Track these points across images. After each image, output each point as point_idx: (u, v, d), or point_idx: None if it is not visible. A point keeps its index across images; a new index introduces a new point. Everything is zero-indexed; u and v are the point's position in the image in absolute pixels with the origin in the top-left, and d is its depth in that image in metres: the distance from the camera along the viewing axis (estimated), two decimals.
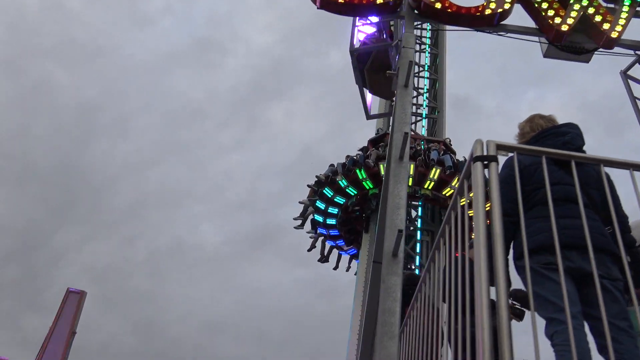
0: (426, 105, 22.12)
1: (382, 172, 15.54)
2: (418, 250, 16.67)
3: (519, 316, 3.63)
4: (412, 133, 19.27)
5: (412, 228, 18.00)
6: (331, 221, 18.27)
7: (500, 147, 2.38)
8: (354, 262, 19.92)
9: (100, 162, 71.88)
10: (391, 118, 4.68)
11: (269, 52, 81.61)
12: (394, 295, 3.16)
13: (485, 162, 2.32)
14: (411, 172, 15.95)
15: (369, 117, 6.54)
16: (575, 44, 5.89)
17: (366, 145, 19.12)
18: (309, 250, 19.19)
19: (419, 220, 17.87)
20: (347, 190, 17.20)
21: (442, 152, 17.04)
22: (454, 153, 18.46)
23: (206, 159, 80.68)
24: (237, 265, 71.83)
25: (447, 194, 16.29)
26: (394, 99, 5.57)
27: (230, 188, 77.49)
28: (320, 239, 18.89)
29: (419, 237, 17.12)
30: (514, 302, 3.54)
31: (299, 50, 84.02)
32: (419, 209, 17.81)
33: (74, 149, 71.37)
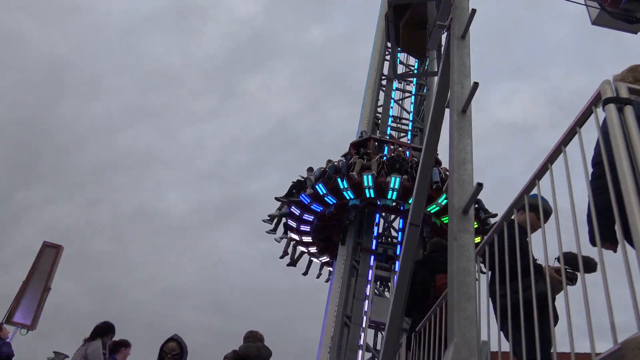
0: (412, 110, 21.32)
1: (365, 183, 15.24)
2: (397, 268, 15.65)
3: (572, 280, 3.42)
4: (397, 141, 19.03)
5: (393, 240, 17.43)
6: (305, 228, 17.27)
7: (634, 91, 2.08)
8: (326, 269, 19.12)
9: (68, 122, 69.33)
10: (436, 78, 4.35)
11: (250, 22, 79.64)
12: (468, 254, 2.88)
13: (619, 105, 2.01)
14: (396, 186, 15.42)
15: (396, 76, 6.17)
16: (629, 12, 5.59)
17: (348, 149, 18.16)
18: (281, 257, 18.11)
19: (399, 234, 17.02)
20: (325, 198, 16.19)
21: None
22: (439, 163, 17.62)
23: (177, 126, 78.84)
24: (201, 234, 70.90)
25: (432, 211, 15.41)
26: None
27: (200, 157, 76.05)
28: (292, 243, 17.96)
29: (398, 251, 16.07)
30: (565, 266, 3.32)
31: (281, 24, 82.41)
32: (400, 221, 17.06)
33: (42, 106, 68.63)
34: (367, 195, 15.56)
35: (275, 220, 17.22)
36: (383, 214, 17.36)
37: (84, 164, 68.90)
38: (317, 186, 15.76)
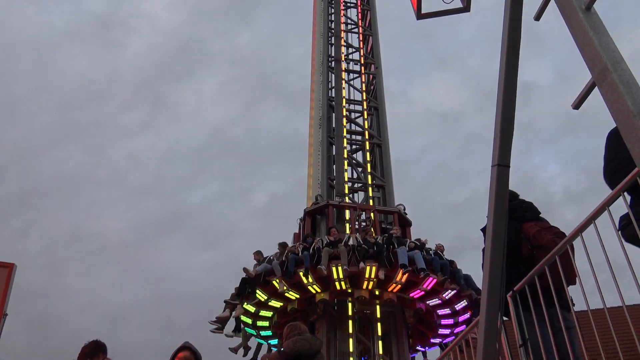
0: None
1: (335, 275, 12.82)
2: None
3: None
4: (360, 205, 16.61)
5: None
6: (264, 323, 14.50)
7: None
8: None
9: None
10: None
11: (175, 32, 76.94)
12: None
13: None
14: (372, 276, 12.90)
15: (420, 16, 5.25)
16: None
17: (303, 217, 16.22)
18: (244, 356, 14.47)
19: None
20: (286, 294, 13.43)
21: (409, 246, 13.69)
22: (410, 224, 16.31)
23: (107, 143, 74.96)
24: (142, 252, 67.87)
25: (415, 297, 13.32)
26: None
27: (134, 173, 72.75)
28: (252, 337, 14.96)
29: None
30: None
31: (208, 31, 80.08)
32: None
33: None
34: (338, 288, 13.22)
35: (227, 322, 14.17)
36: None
37: (6, 192, 63.90)
38: (276, 283, 13.29)
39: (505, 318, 4.12)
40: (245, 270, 13.58)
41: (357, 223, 15.64)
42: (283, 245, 14.32)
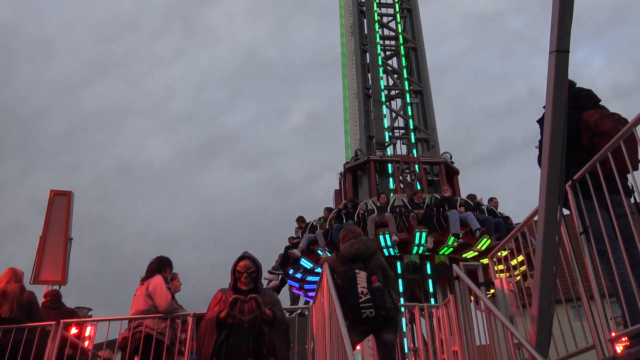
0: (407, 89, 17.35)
1: (383, 244, 12.04)
2: None
3: None
4: (403, 157, 15.42)
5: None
6: (311, 286, 13.67)
7: None
8: None
9: (27, 90, 65.39)
10: None
11: None
12: None
13: None
14: (422, 242, 12.16)
15: None
16: None
17: (343, 172, 15.36)
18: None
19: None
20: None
21: (460, 204, 12.72)
22: (457, 172, 15.24)
23: (144, 73, 74.94)
24: (188, 177, 69.81)
25: (468, 257, 12.51)
26: None
27: (173, 100, 73.22)
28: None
29: None
30: None
31: None
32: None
33: None
34: (387, 255, 12.50)
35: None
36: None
37: (54, 130, 65.73)
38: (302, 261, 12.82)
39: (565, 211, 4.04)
40: (291, 253, 13.19)
41: (401, 177, 14.81)
42: (329, 210, 13.85)
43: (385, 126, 16.34)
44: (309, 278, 13.41)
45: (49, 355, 5.56)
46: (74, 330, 6.87)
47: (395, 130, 17.12)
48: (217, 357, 4.76)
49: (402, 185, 14.56)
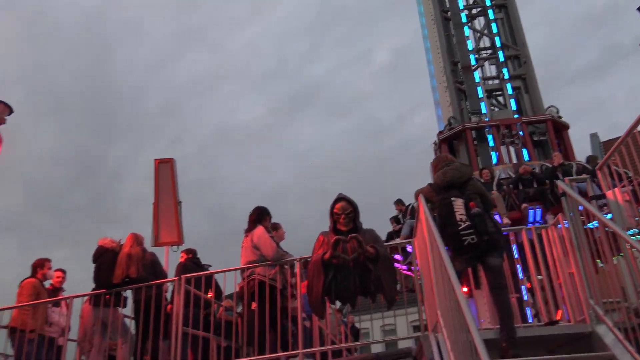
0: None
1: None
2: None
3: None
4: (503, 120, 13.32)
5: None
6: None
7: None
8: None
9: (123, 73, 69.38)
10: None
11: None
12: None
13: None
14: (537, 218, 10.65)
15: None
16: None
17: (437, 144, 13.99)
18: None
19: None
20: None
21: (577, 171, 10.82)
22: (567, 127, 13.23)
23: (225, 38, 76.42)
24: (283, 132, 71.52)
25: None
26: None
27: (257, 60, 74.38)
28: None
29: None
30: None
31: None
32: None
33: (93, 67, 68.63)
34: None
35: None
36: None
37: (152, 106, 69.61)
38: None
39: None
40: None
41: (503, 142, 13.33)
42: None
43: (470, 48, 15.42)
44: None
45: (177, 308, 6.07)
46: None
47: (482, 52, 16.13)
48: (327, 296, 4.94)
49: (505, 154, 13.06)
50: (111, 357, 6.96)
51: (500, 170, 12.16)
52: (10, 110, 10.35)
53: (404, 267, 12.58)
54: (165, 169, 9.20)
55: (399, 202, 13.01)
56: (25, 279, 7.20)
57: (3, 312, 6.81)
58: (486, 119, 13.71)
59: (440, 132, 14.34)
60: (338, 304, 5.49)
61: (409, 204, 12.40)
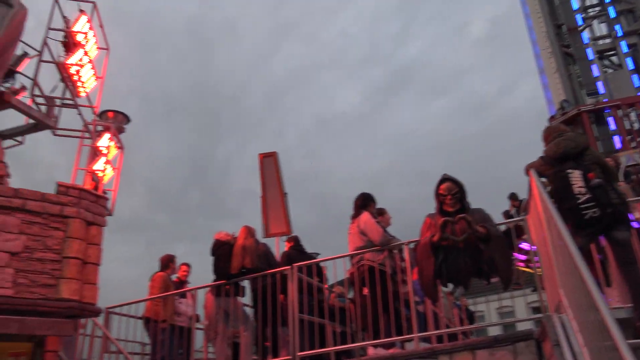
0: None
1: None
2: None
3: None
4: (625, 98, 11.80)
5: None
6: None
7: None
8: None
9: (226, 71, 72.84)
10: None
11: None
12: None
13: None
14: None
15: None
16: None
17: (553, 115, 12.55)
18: None
19: None
20: None
21: None
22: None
23: (319, 28, 77.54)
24: (381, 116, 71.24)
25: None
26: None
27: (350, 47, 74.80)
28: None
29: None
30: None
31: None
32: None
33: (197, 70, 72.85)
34: None
35: None
36: None
37: (254, 102, 72.50)
38: None
39: None
40: None
41: (628, 123, 11.81)
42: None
43: (575, 8, 14.25)
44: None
45: (291, 296, 6.29)
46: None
47: (589, 10, 14.83)
48: (438, 279, 4.87)
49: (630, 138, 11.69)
50: (235, 344, 7.39)
51: (626, 157, 11.08)
52: (128, 120, 11.30)
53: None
54: (269, 162, 9.55)
55: (513, 197, 12.11)
56: (156, 273, 7.86)
57: (138, 304, 7.50)
58: (604, 100, 12.31)
59: (552, 118, 13.40)
60: (450, 286, 5.39)
61: (522, 198, 11.25)
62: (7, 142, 7.74)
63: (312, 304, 6.43)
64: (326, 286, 7.69)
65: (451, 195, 5.02)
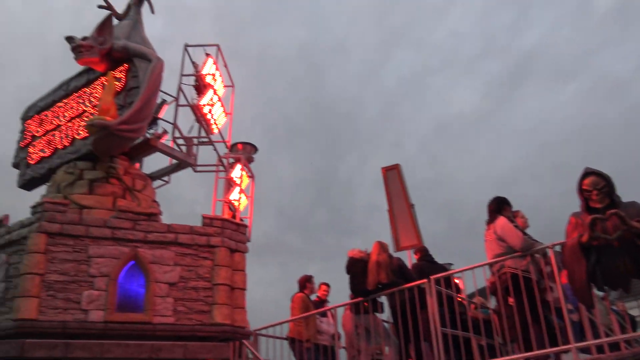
0: None
1: None
2: None
3: None
4: None
5: None
6: None
7: None
8: None
9: (338, 89, 74.81)
10: None
11: None
12: None
13: None
14: None
15: None
16: None
17: None
18: None
19: None
20: None
21: None
22: None
23: (428, 31, 76.87)
24: (504, 112, 68.02)
25: None
26: None
27: (462, 44, 72.96)
28: None
29: None
30: None
31: None
32: None
33: (312, 93, 75.61)
34: None
35: None
36: None
37: (370, 115, 73.43)
38: None
39: None
40: None
41: None
42: None
43: None
44: None
45: (431, 310, 6.16)
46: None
47: None
48: (592, 282, 4.48)
49: None
50: None
51: None
52: (255, 150, 11.98)
53: None
54: (393, 175, 9.54)
55: None
56: (295, 294, 8.16)
57: (282, 325, 7.82)
58: None
59: None
60: (607, 290, 4.94)
61: None
62: (156, 183, 8.59)
63: (453, 317, 6.24)
64: (460, 296, 7.42)
65: (597, 190, 4.65)
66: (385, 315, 7.18)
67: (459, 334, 6.18)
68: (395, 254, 7.76)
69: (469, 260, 6.27)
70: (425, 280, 6.41)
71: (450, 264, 8.94)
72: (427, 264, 7.52)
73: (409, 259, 8.82)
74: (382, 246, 7.01)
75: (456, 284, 7.48)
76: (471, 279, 6.12)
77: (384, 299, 6.99)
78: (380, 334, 7.05)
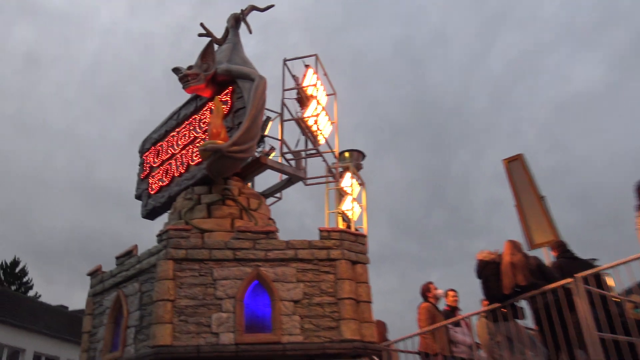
0: None
1: None
2: None
3: None
4: None
5: None
6: None
7: None
8: None
9: (442, 83, 72.97)
10: None
11: None
12: None
13: None
14: None
15: None
16: None
17: None
18: None
19: None
20: None
21: None
22: None
23: (532, 9, 72.84)
24: (636, 84, 61.86)
25: None
26: None
27: (578, 16, 67.61)
28: None
29: None
30: None
31: None
32: None
33: (413, 90, 74.37)
34: None
35: None
36: None
37: (479, 105, 70.74)
38: None
39: None
40: None
41: None
42: None
43: None
44: None
45: (582, 312, 5.46)
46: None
47: None
48: None
49: None
50: None
51: None
52: (363, 156, 11.74)
53: None
54: (516, 166, 8.77)
55: None
56: (421, 304, 7.70)
57: (413, 338, 7.39)
58: None
59: None
60: None
61: None
62: (269, 200, 8.63)
63: (609, 319, 5.48)
64: (615, 296, 6.54)
65: None
66: (527, 321, 6.52)
67: (621, 338, 5.40)
68: (531, 253, 7.05)
69: (613, 253, 5.49)
70: (571, 280, 5.71)
71: (595, 259, 7.99)
72: (569, 261, 6.74)
73: (546, 257, 8.00)
74: (515, 245, 6.39)
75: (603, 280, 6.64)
76: (625, 275, 5.37)
77: (523, 303, 6.35)
78: (524, 342, 6.39)
